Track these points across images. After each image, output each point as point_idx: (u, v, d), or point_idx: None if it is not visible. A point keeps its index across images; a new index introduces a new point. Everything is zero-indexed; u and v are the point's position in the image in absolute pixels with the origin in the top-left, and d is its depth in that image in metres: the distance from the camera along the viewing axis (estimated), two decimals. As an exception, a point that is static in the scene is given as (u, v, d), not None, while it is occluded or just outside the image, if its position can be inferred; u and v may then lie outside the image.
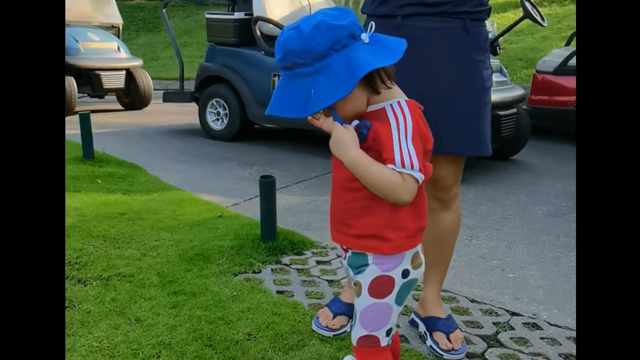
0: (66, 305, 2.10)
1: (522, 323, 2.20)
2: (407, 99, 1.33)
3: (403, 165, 1.24)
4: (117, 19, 8.82)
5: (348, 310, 2.07)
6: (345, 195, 1.36)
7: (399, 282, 1.36)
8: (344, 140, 1.28)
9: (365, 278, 1.36)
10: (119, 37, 8.60)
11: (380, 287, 1.36)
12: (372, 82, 1.27)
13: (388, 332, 1.41)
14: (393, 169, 1.25)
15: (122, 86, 7.92)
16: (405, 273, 1.37)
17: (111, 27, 8.80)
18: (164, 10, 5.60)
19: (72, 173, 4.09)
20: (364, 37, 1.24)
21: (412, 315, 2.16)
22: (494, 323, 2.18)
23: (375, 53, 1.23)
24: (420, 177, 1.26)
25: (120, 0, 12.05)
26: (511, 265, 2.82)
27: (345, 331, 2.04)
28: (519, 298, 2.44)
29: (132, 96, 8.13)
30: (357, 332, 1.41)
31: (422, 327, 2.09)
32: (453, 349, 1.94)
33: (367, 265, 1.36)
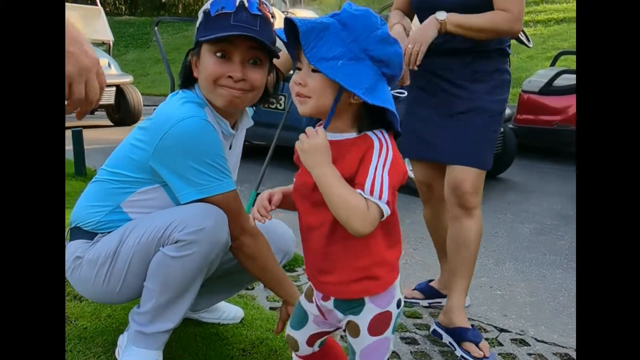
0: (63, 321, 2.13)
1: (510, 339, 2.25)
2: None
3: (371, 192, 1.17)
4: (108, 36, 8.87)
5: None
6: (322, 240, 1.29)
7: (395, 313, 1.33)
8: (324, 151, 1.20)
9: (363, 319, 1.31)
10: (109, 54, 8.64)
11: (380, 323, 1.32)
12: (364, 114, 1.24)
13: None
14: (360, 194, 1.17)
15: (112, 102, 7.95)
16: (399, 303, 1.34)
17: (102, 44, 8.84)
18: (156, 29, 5.65)
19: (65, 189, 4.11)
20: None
21: (434, 327, 2.22)
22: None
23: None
24: (387, 210, 1.18)
25: (110, 16, 12.13)
26: (499, 282, 2.88)
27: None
28: (506, 314, 2.49)
29: (121, 112, 8.16)
30: None
31: (447, 338, 2.15)
32: (485, 356, 2.02)
33: (363, 305, 1.31)
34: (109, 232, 1.78)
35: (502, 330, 2.33)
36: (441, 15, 1.93)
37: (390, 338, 1.35)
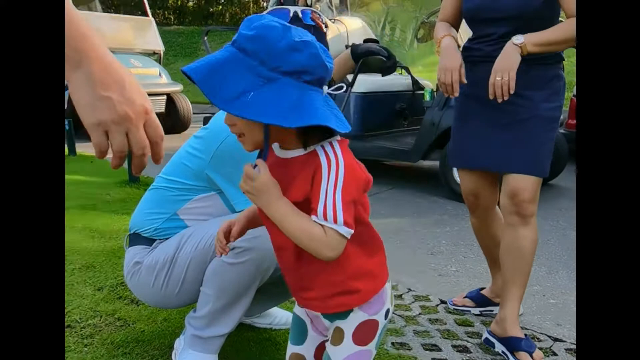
0: (121, 324, 2.20)
1: (565, 349, 2.21)
2: (338, 138, 1.18)
3: (325, 218, 1.10)
4: (158, 46, 9.09)
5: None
6: (293, 260, 1.24)
7: (381, 324, 1.28)
8: (271, 187, 1.14)
9: (349, 324, 1.26)
10: (160, 63, 8.85)
11: (365, 332, 1.26)
12: (303, 130, 1.14)
13: None
14: (315, 220, 1.11)
15: (163, 110, 8.15)
16: (387, 313, 1.29)
17: (152, 54, 9.07)
18: (205, 38, 5.78)
19: (119, 196, 4.25)
20: (325, 88, 1.16)
21: (487, 335, 2.21)
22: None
23: (331, 115, 1.12)
24: (347, 231, 1.12)
25: (159, 26, 12.41)
26: (552, 290, 2.83)
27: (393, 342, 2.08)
28: (560, 324, 2.45)
29: (171, 120, 8.34)
30: None
31: (500, 347, 2.14)
32: None
33: (351, 311, 1.26)
34: (166, 239, 1.84)
35: (556, 339, 2.29)
36: (518, 39, 1.93)
37: (372, 352, 1.29)
